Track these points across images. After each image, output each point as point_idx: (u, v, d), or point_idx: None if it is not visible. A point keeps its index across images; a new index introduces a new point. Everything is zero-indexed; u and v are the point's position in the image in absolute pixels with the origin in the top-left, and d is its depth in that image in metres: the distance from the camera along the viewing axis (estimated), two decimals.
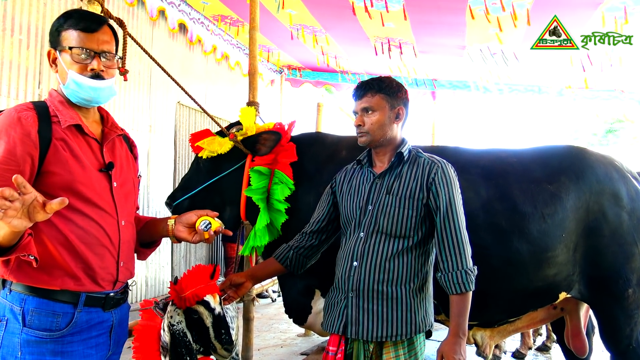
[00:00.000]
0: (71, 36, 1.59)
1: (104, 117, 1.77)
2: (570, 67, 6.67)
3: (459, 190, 1.97)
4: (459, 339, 1.83)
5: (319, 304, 2.80)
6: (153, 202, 5.59)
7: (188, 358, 1.92)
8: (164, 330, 1.93)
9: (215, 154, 2.73)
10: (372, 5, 5.22)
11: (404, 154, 1.99)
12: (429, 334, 1.98)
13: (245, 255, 2.81)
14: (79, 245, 1.55)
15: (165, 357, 1.93)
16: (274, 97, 8.63)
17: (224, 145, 2.71)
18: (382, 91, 1.97)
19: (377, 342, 1.90)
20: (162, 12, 5.49)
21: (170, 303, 1.92)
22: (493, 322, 2.80)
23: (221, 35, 6.81)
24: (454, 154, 2.67)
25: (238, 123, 2.88)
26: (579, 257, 2.59)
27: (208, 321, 1.86)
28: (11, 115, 1.51)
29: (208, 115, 2.96)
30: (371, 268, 1.90)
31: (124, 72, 1.73)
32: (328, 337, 2.03)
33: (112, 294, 1.66)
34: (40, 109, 1.58)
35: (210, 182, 2.75)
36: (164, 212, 2.82)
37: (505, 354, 4.52)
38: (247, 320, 3.58)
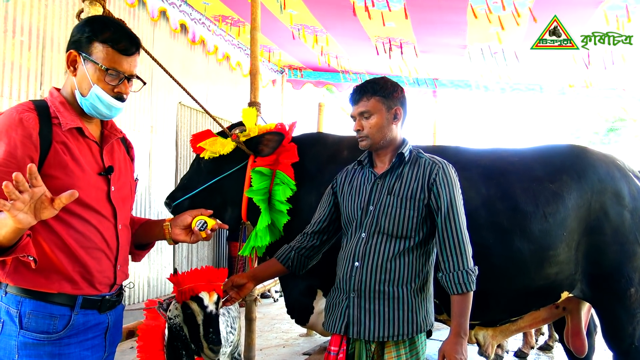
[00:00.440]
0: (107, 54, 1.57)
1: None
2: (572, 65, 6.67)
3: (460, 191, 1.97)
4: (460, 339, 1.84)
5: (320, 304, 2.80)
6: (155, 202, 5.59)
7: (184, 352, 1.93)
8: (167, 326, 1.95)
9: (217, 155, 2.73)
10: (373, 5, 5.22)
11: (405, 155, 1.99)
12: (429, 333, 1.99)
13: (245, 255, 2.81)
14: (77, 249, 1.54)
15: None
16: (275, 97, 8.63)
17: (226, 146, 2.71)
18: (378, 94, 1.97)
19: (378, 341, 1.90)
20: (163, 13, 5.50)
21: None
22: (495, 321, 2.80)
23: (222, 35, 6.82)
24: (454, 154, 2.67)
25: (240, 124, 2.88)
26: (581, 256, 2.59)
27: (199, 318, 1.86)
28: (12, 116, 1.49)
29: (210, 115, 2.97)
30: (373, 268, 1.90)
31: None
32: (330, 337, 2.03)
33: (107, 297, 1.65)
34: (41, 109, 1.56)
35: (211, 183, 2.75)
36: (166, 213, 2.81)
37: (507, 353, 4.52)
38: (250, 320, 3.59)
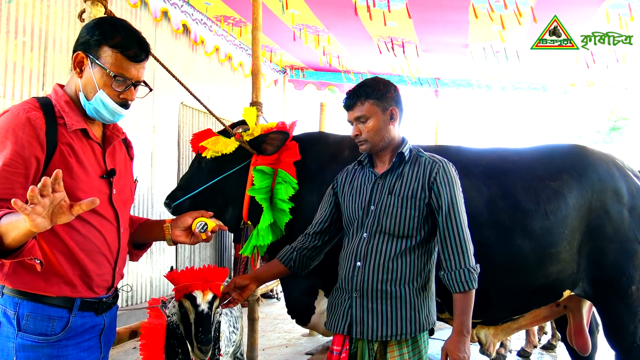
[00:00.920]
0: (115, 59, 1.54)
1: None
2: (575, 64, 6.65)
3: (461, 189, 1.97)
4: (463, 337, 1.84)
5: (322, 304, 2.79)
6: (157, 203, 5.60)
7: (179, 350, 1.93)
8: None
9: (219, 154, 2.72)
10: (374, 5, 5.21)
11: (405, 154, 1.99)
12: (431, 332, 1.99)
13: (246, 255, 2.80)
14: (78, 252, 1.52)
15: None
16: (277, 97, 8.63)
17: (229, 146, 2.70)
18: (371, 97, 1.96)
19: (381, 341, 1.90)
20: (165, 13, 5.51)
21: None
22: (497, 320, 2.80)
23: (224, 35, 6.82)
24: (456, 154, 2.67)
25: (241, 123, 2.88)
26: (582, 255, 2.60)
27: (191, 317, 1.86)
28: (19, 115, 1.46)
29: (213, 115, 2.97)
30: (375, 268, 1.90)
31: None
32: (331, 337, 2.03)
33: (104, 299, 1.64)
34: (47, 108, 1.53)
35: (213, 182, 2.75)
36: (168, 213, 2.82)
37: (510, 352, 4.51)
38: (252, 320, 3.59)
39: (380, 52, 6.84)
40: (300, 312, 2.89)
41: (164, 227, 1.81)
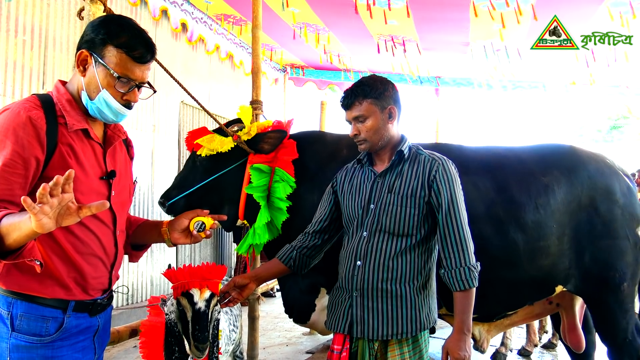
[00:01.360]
0: (120, 60, 1.50)
1: None
2: (575, 63, 6.65)
3: (461, 187, 1.96)
4: (463, 335, 1.83)
5: (323, 301, 2.79)
6: (157, 202, 5.59)
7: (176, 349, 1.92)
8: None
9: (215, 152, 2.71)
10: (374, 4, 5.21)
11: (404, 152, 1.98)
12: (432, 330, 1.98)
13: (242, 253, 2.80)
14: (74, 254, 1.50)
15: None
16: (278, 95, 8.63)
17: (224, 144, 2.69)
18: (369, 96, 1.94)
19: (382, 340, 1.90)
20: (164, 12, 5.50)
21: None
22: (492, 315, 2.82)
23: (224, 34, 6.82)
24: (456, 151, 2.70)
25: (236, 121, 2.87)
26: (573, 250, 2.64)
27: (189, 315, 1.86)
28: (20, 114, 1.42)
29: (208, 113, 2.96)
30: (375, 267, 1.89)
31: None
32: (332, 336, 2.03)
33: (99, 300, 1.61)
34: (47, 106, 1.49)
35: (208, 181, 2.74)
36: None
37: (511, 351, 4.51)
38: (253, 318, 3.58)
39: (379, 52, 6.83)
40: (300, 309, 2.88)
41: (162, 232, 1.78)
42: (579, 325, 3.00)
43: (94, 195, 1.53)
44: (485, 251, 2.40)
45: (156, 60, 2.28)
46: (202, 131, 2.80)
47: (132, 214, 1.93)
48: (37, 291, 1.45)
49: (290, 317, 2.97)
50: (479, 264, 1.90)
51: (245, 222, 2.79)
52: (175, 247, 5.93)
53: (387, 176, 1.97)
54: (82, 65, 1.53)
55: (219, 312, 2.03)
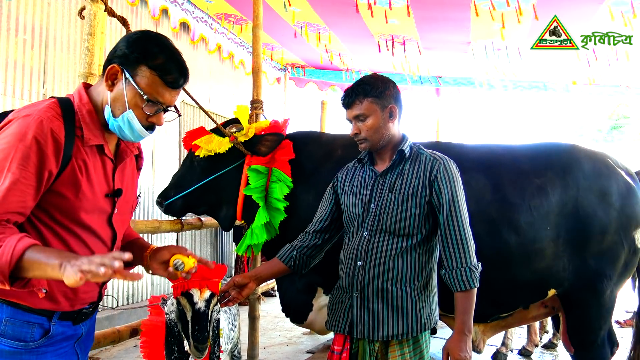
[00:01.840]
0: (152, 82, 1.46)
1: None
2: (577, 62, 6.64)
3: (462, 187, 1.95)
4: (464, 336, 1.83)
5: (320, 301, 2.79)
6: None
7: (176, 348, 1.92)
8: None
9: (213, 153, 2.70)
10: (375, 3, 5.20)
11: (405, 152, 1.97)
12: (433, 331, 1.98)
13: (240, 253, 2.80)
14: None
15: None
16: (278, 95, 8.62)
17: (222, 145, 2.69)
18: (369, 95, 1.93)
19: (382, 340, 1.89)
20: (164, 11, 5.49)
21: None
22: (486, 316, 2.78)
23: (225, 33, 6.81)
24: (452, 149, 2.68)
25: (233, 121, 2.86)
26: (568, 254, 2.58)
27: (188, 315, 1.85)
28: (42, 124, 1.36)
29: (206, 113, 2.95)
30: (375, 267, 1.89)
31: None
32: (332, 335, 2.02)
33: (84, 310, 1.57)
34: (68, 115, 1.43)
35: (206, 181, 2.73)
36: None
37: (512, 351, 4.51)
38: (253, 318, 3.58)
39: (380, 51, 6.82)
40: (297, 309, 2.88)
41: (143, 256, 1.71)
42: None
43: (96, 213, 1.50)
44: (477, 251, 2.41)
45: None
46: (200, 131, 2.79)
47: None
48: (23, 300, 1.41)
49: (287, 316, 2.97)
50: (480, 264, 1.89)
51: (244, 222, 2.79)
52: None
53: (388, 176, 1.97)
54: (111, 79, 1.48)
55: (219, 311, 2.02)
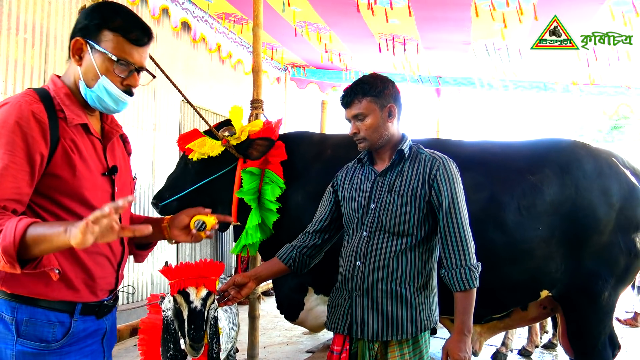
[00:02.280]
0: (117, 43, 1.45)
1: (103, 113, 1.62)
2: (577, 62, 6.63)
3: (462, 186, 1.94)
4: (464, 337, 1.83)
5: (311, 300, 2.82)
6: None
7: (172, 346, 1.92)
8: None
9: (206, 156, 2.72)
10: (375, 3, 5.20)
11: (405, 151, 1.97)
12: (433, 331, 1.98)
13: (236, 254, 2.82)
14: (81, 254, 1.44)
15: None
16: (279, 95, 8.62)
17: (215, 149, 2.71)
18: (368, 94, 1.93)
19: (382, 341, 1.89)
20: (165, 11, 5.49)
21: None
22: (480, 317, 2.74)
23: (225, 33, 6.80)
24: (443, 146, 2.66)
25: (226, 122, 2.87)
26: (562, 255, 2.51)
27: (184, 313, 1.85)
28: (22, 108, 1.36)
29: (199, 115, 2.95)
30: (375, 267, 1.88)
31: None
32: (329, 335, 2.02)
33: (105, 302, 1.56)
34: (46, 100, 1.43)
35: (200, 184, 2.75)
36: None
37: (512, 352, 4.51)
38: (253, 318, 3.58)
39: (380, 51, 6.82)
40: (289, 308, 2.93)
41: (162, 227, 1.72)
42: None
43: (99, 192, 1.50)
44: None
45: (154, 62, 2.28)
46: (194, 134, 2.81)
47: (132, 212, 1.92)
48: (43, 294, 1.40)
49: (281, 313, 3.01)
50: (480, 264, 1.88)
51: (239, 223, 2.81)
52: (175, 246, 5.93)
53: (388, 175, 1.96)
54: (77, 54, 1.48)
55: (216, 309, 2.02)
